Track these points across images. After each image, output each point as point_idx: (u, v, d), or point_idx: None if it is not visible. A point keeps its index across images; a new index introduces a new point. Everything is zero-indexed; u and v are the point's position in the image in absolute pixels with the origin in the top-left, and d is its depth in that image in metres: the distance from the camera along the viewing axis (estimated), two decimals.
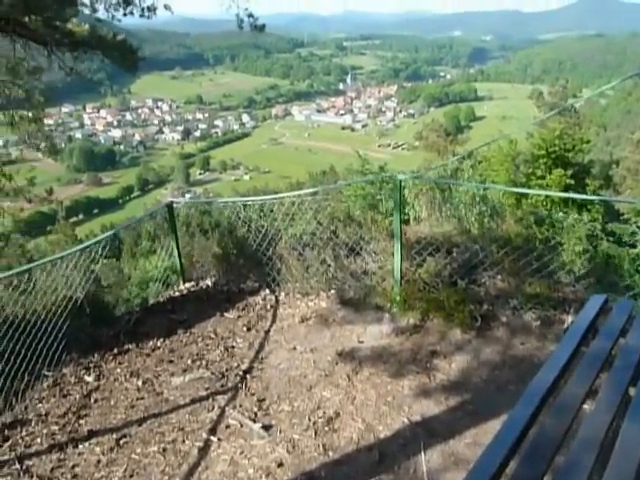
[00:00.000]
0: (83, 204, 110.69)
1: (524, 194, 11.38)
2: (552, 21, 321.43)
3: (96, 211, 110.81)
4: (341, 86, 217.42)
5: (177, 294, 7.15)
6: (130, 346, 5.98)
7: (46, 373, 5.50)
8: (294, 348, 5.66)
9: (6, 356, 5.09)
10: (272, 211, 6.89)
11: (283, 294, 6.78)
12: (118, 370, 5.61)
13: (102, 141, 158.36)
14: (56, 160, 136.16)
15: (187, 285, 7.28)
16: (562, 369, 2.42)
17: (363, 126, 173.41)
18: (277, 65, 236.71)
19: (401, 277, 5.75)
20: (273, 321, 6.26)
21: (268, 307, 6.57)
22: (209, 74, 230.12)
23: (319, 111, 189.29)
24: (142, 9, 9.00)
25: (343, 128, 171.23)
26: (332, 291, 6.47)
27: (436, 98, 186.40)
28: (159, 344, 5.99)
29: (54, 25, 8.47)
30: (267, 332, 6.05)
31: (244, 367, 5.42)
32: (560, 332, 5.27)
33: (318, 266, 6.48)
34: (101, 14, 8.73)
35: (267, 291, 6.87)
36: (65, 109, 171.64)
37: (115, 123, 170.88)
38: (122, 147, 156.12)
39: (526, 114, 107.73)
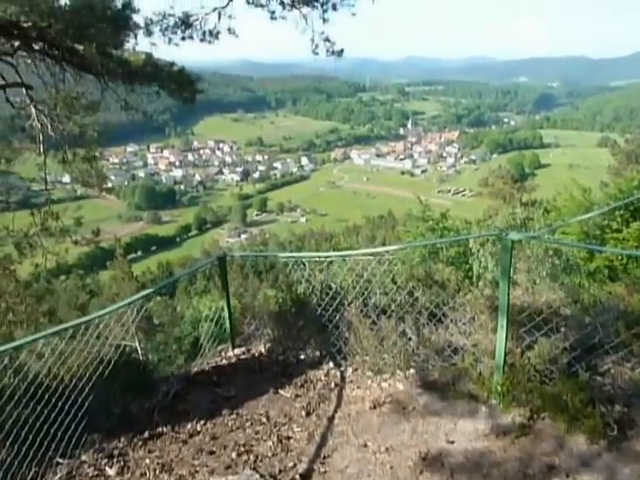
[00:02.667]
0: (142, 241, 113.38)
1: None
2: (623, 67, 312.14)
3: (154, 248, 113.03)
4: (402, 131, 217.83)
5: (224, 362, 6.05)
6: (165, 428, 4.91)
7: (60, 461, 4.48)
8: (365, 445, 4.49)
9: (8, 443, 4.12)
10: (349, 269, 5.78)
11: (350, 370, 5.60)
12: (147, 461, 4.54)
13: (164, 180, 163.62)
14: (119, 197, 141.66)
15: (236, 351, 6.19)
16: None
17: (423, 171, 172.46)
18: (338, 109, 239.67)
19: (504, 360, 4.52)
20: (338, 405, 5.10)
21: (332, 385, 5.41)
22: (270, 117, 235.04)
23: (378, 155, 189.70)
24: (203, 33, 8.28)
25: (402, 173, 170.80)
26: (411, 370, 5.28)
27: (499, 144, 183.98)
28: (199, 427, 4.91)
29: (108, 53, 7.82)
30: (331, 419, 4.89)
31: (302, 469, 4.27)
32: None
33: (396, 338, 5.31)
34: (157, 37, 8.03)
35: (331, 364, 5.72)
36: (130, 148, 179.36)
37: (177, 163, 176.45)
38: (182, 187, 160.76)
39: (595, 162, 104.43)
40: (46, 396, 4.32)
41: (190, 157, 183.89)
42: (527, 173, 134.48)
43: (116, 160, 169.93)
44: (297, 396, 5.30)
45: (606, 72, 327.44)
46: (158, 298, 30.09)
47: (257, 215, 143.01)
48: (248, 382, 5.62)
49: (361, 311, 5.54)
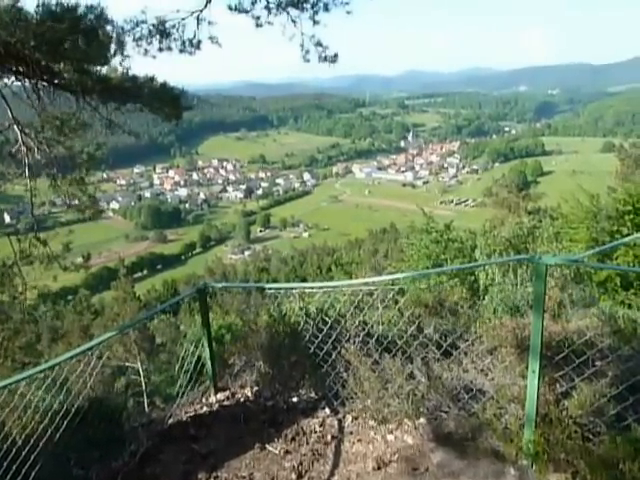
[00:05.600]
0: (147, 260, 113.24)
1: (607, 254, 9.75)
2: (623, 72, 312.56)
3: (159, 267, 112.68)
4: (402, 144, 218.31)
5: (205, 409, 5.18)
6: None
7: None
8: None
9: None
10: (348, 298, 4.94)
11: (350, 418, 4.73)
12: None
13: (169, 200, 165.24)
14: (126, 217, 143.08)
15: (219, 396, 5.32)
16: None
17: (424, 183, 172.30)
18: (339, 125, 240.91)
19: (537, 412, 3.66)
20: (335, 464, 4.23)
21: (328, 438, 4.53)
22: (273, 134, 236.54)
23: (380, 169, 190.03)
24: (182, 43, 7.43)
25: (404, 185, 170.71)
26: (421, 419, 4.41)
27: (501, 153, 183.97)
28: None
29: (86, 69, 6.99)
30: None
31: None
32: None
33: (402, 381, 4.45)
34: (130, 48, 7.16)
35: (327, 411, 4.85)
36: (137, 170, 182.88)
37: (182, 182, 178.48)
38: (187, 205, 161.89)
39: (599, 168, 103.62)
40: None
41: (195, 176, 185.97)
42: (530, 181, 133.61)
43: (123, 182, 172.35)
44: (287, 452, 4.44)
45: (606, 77, 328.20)
46: (162, 316, 29.55)
47: (261, 231, 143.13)
48: (231, 435, 4.76)
49: (360, 348, 4.69)
